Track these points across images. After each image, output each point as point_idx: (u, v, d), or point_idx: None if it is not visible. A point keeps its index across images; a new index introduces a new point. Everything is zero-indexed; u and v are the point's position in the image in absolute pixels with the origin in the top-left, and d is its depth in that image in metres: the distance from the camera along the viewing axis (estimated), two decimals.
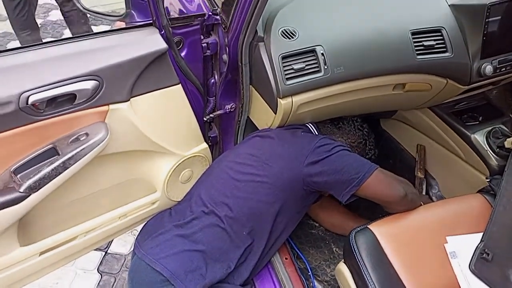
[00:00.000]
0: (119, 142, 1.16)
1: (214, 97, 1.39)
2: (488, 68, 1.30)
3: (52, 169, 1.02)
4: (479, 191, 1.30)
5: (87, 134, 1.07)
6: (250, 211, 1.17)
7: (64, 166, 1.04)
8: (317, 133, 1.33)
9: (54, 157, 1.04)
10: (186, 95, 1.27)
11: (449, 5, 1.31)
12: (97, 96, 1.05)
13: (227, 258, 1.15)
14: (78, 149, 1.04)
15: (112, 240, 1.94)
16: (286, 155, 1.18)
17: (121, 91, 1.09)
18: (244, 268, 1.18)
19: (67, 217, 1.24)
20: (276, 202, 1.18)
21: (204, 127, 1.45)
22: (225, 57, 1.26)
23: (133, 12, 1.34)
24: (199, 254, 1.13)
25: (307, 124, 1.36)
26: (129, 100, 1.11)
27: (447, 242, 1.10)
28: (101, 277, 1.83)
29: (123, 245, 1.95)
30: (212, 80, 1.36)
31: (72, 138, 1.06)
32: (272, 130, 1.30)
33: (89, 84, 1.03)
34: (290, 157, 1.18)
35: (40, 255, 1.21)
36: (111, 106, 1.09)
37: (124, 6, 1.18)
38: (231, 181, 1.21)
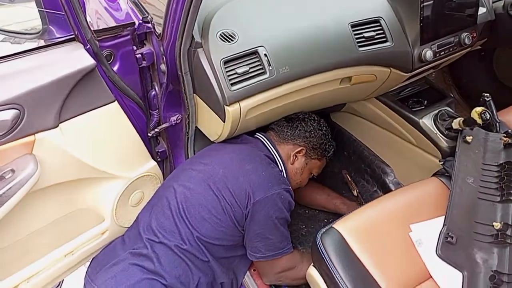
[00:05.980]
0: (53, 174, 1.05)
1: (157, 110, 1.30)
2: (429, 54, 1.33)
3: None
4: (434, 174, 1.31)
5: (13, 171, 0.95)
6: (200, 239, 1.13)
7: None
8: (270, 146, 1.30)
9: None
10: (125, 112, 1.18)
11: None
12: (19, 127, 0.94)
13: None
14: (4, 189, 0.93)
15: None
16: (235, 191, 1.15)
17: (47, 117, 0.98)
18: None
19: (3, 264, 1.10)
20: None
21: (150, 143, 1.36)
22: (163, 66, 1.18)
23: (51, 27, 1.21)
24: (159, 284, 1.06)
25: (260, 137, 1.32)
26: (58, 126, 1.01)
27: (411, 231, 1.10)
28: None
29: (77, 280, 1.79)
30: (153, 92, 1.27)
31: None
32: (223, 150, 1.26)
33: (8, 115, 0.91)
34: (239, 196, 1.14)
35: None
36: (38, 136, 0.98)
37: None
38: (181, 208, 1.15)
